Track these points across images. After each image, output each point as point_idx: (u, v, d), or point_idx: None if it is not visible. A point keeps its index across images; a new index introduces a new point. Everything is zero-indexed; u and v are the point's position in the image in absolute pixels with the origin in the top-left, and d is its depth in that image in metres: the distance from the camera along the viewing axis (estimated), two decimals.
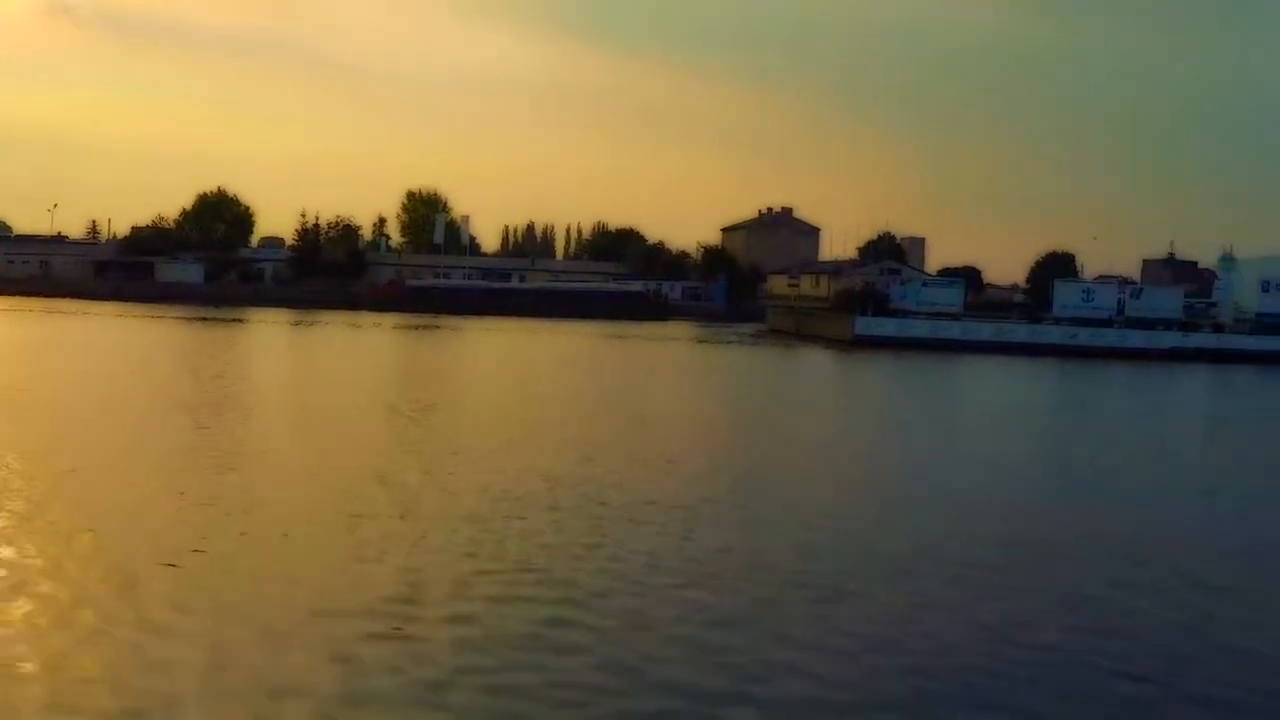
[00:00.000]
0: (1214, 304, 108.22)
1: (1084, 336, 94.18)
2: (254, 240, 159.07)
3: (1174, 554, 18.29)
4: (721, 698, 10.80)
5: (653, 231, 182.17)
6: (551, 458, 24.64)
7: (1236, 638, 13.81)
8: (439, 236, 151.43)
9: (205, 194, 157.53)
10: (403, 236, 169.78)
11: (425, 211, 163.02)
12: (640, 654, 11.87)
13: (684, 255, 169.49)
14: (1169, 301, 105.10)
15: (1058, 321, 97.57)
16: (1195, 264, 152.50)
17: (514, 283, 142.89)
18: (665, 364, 64.75)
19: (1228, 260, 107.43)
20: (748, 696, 10.87)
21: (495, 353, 67.93)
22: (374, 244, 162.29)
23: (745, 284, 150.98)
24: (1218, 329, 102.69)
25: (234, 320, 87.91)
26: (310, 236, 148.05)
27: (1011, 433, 38.51)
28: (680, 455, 26.63)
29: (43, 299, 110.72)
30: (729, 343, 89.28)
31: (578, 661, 11.56)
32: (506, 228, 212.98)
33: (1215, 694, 11.79)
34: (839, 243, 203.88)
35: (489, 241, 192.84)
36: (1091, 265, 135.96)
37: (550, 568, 15.14)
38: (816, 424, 38.25)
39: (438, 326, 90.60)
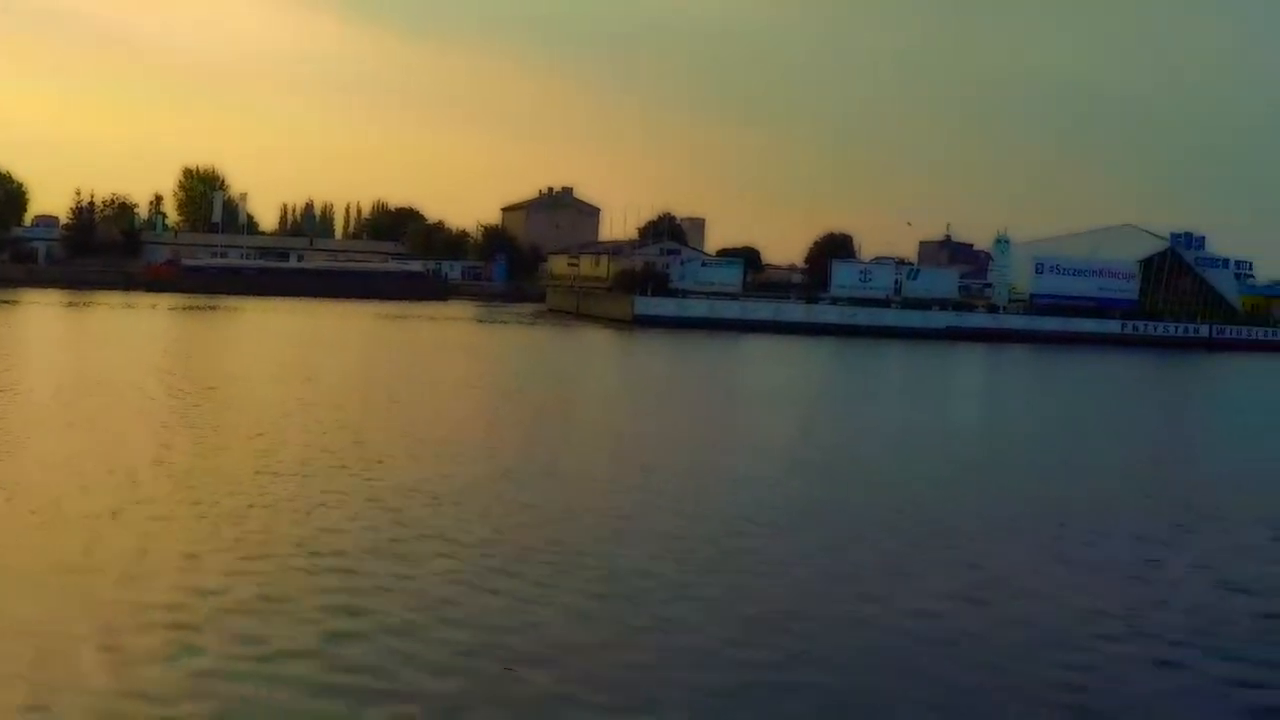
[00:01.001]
0: (989, 285, 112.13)
1: (861, 316, 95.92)
2: (27, 219, 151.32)
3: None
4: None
5: (432, 211, 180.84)
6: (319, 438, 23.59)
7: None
8: (217, 215, 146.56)
9: None
10: (180, 215, 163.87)
11: (203, 190, 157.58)
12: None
13: (464, 235, 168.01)
14: (945, 282, 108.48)
15: (835, 301, 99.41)
16: (971, 246, 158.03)
17: (292, 262, 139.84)
18: (440, 344, 63.06)
19: (1003, 243, 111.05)
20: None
21: (270, 333, 65.11)
22: (150, 223, 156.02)
23: (526, 264, 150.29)
24: (992, 309, 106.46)
25: (2, 302, 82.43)
26: (85, 215, 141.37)
27: (760, 409, 38.63)
28: (446, 436, 25.52)
29: None
30: (508, 323, 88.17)
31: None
32: (285, 206, 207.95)
33: None
34: (620, 223, 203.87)
35: (268, 220, 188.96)
36: (869, 246, 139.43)
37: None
38: (579, 401, 37.54)
39: (214, 307, 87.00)
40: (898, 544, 16.67)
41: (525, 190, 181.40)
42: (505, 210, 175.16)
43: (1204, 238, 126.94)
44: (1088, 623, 13.09)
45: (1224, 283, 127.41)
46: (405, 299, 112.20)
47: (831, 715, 10.24)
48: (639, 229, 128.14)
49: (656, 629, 12.04)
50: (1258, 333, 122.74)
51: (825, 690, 10.65)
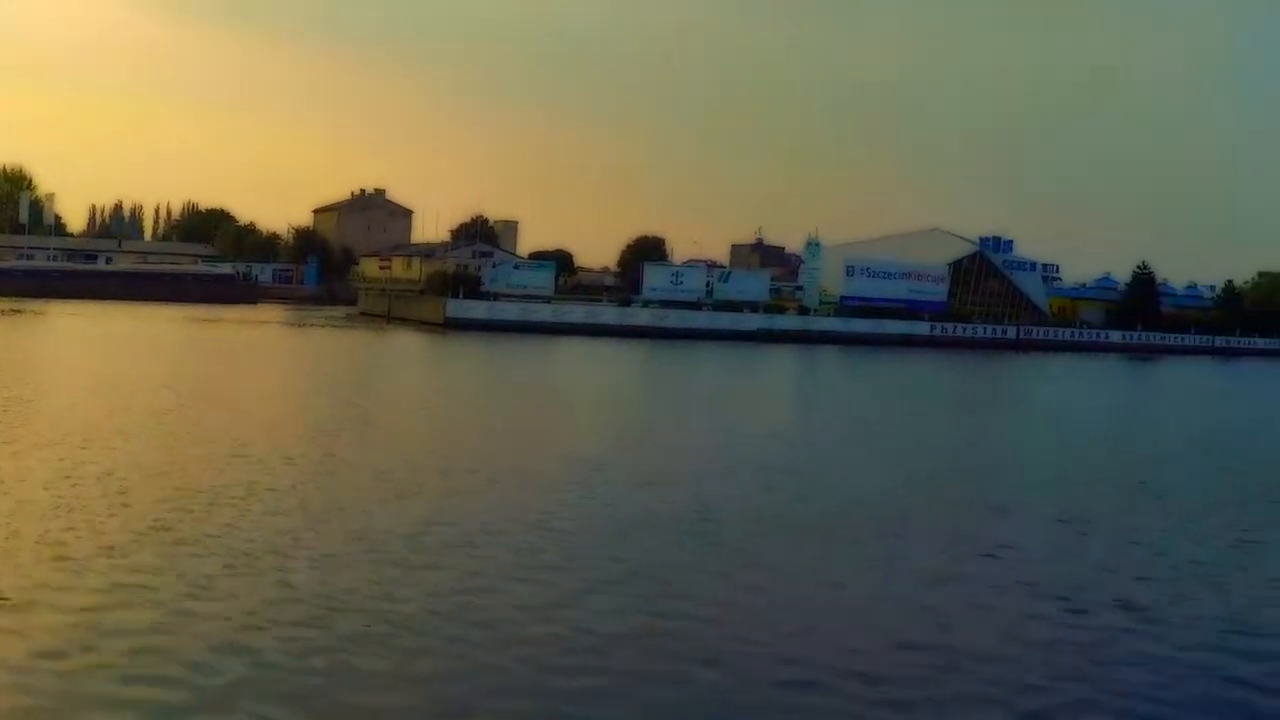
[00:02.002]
0: (800, 288, 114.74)
1: (673, 318, 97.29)
2: None
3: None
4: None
5: (243, 212, 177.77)
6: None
7: None
8: (24, 216, 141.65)
9: None
10: None
11: (9, 189, 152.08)
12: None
13: (275, 237, 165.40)
14: (756, 285, 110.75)
15: (647, 304, 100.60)
16: (783, 249, 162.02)
17: (101, 265, 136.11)
18: (249, 348, 61.92)
19: (814, 246, 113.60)
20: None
21: (74, 337, 63.19)
22: None
23: (338, 267, 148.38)
24: (803, 312, 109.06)
25: None
26: None
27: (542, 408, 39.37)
28: (245, 440, 24.99)
29: None
30: (318, 326, 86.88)
31: None
32: (94, 207, 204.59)
33: None
34: (432, 225, 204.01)
35: (76, 222, 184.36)
36: (681, 249, 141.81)
37: None
38: (374, 404, 37.61)
39: (19, 310, 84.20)
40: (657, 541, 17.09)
41: (337, 192, 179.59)
42: (317, 212, 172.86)
43: (1012, 241, 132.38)
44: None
45: (1031, 285, 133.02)
46: (215, 302, 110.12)
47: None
48: (451, 231, 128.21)
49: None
50: (1064, 333, 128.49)
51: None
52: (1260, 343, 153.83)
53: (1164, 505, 23.36)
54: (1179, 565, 17.59)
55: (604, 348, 76.96)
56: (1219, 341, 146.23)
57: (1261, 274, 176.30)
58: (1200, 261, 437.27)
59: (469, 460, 24.33)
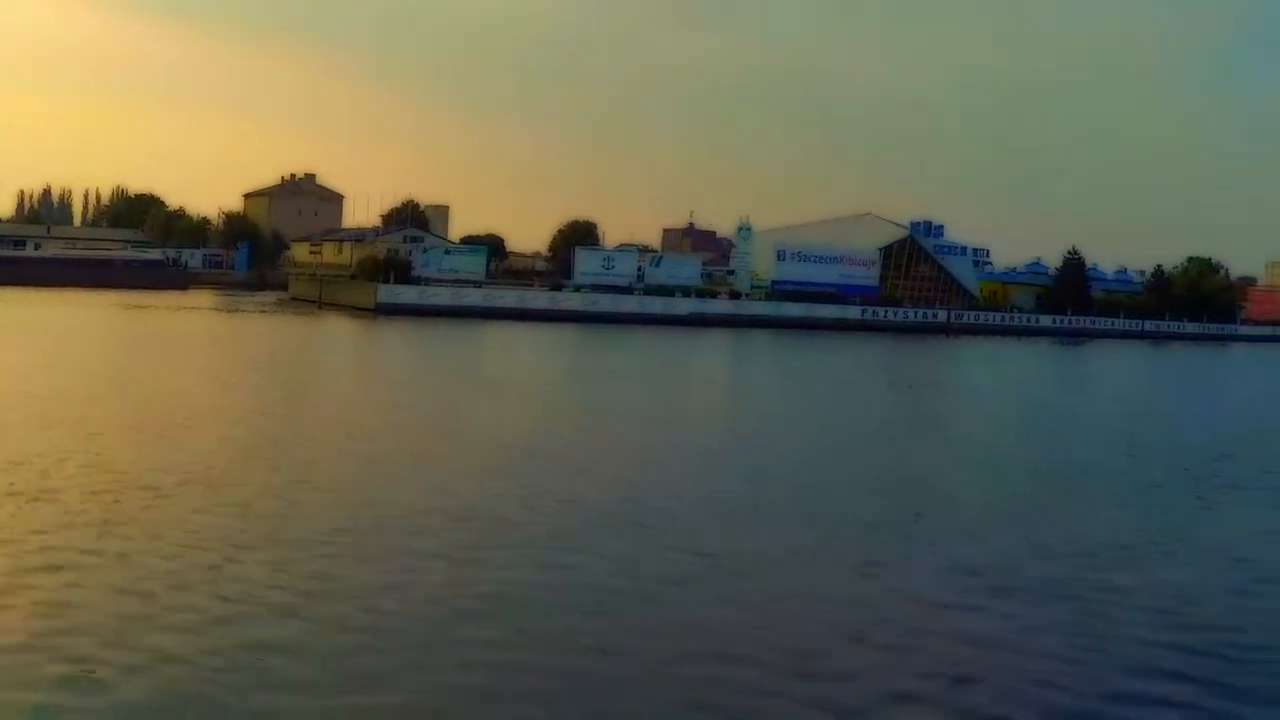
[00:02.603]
0: (732, 272, 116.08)
1: (604, 303, 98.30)
2: None
3: None
4: None
5: (174, 198, 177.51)
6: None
7: None
8: None
9: None
10: None
11: None
12: None
13: (206, 222, 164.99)
14: (687, 269, 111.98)
15: (579, 289, 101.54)
16: (715, 233, 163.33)
17: (29, 251, 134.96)
18: (176, 334, 61.66)
19: (745, 230, 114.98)
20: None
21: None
22: None
23: (269, 252, 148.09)
24: (735, 296, 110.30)
25: None
26: None
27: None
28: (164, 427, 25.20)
29: None
30: (248, 312, 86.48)
31: None
32: (22, 193, 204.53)
33: None
34: (363, 210, 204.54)
35: (4, 207, 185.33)
36: (614, 234, 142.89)
37: None
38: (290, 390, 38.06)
39: None
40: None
41: (268, 176, 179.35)
42: (248, 197, 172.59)
43: (943, 226, 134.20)
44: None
45: (962, 269, 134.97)
46: (144, 288, 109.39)
47: None
48: (383, 216, 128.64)
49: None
50: (994, 317, 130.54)
51: None
52: (1189, 327, 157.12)
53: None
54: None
55: (534, 333, 77.47)
56: (1149, 326, 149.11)
57: (1191, 259, 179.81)
58: (1130, 247, 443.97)
59: (363, 446, 24.87)
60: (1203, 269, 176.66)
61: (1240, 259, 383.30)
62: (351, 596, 13.05)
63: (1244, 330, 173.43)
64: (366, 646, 11.53)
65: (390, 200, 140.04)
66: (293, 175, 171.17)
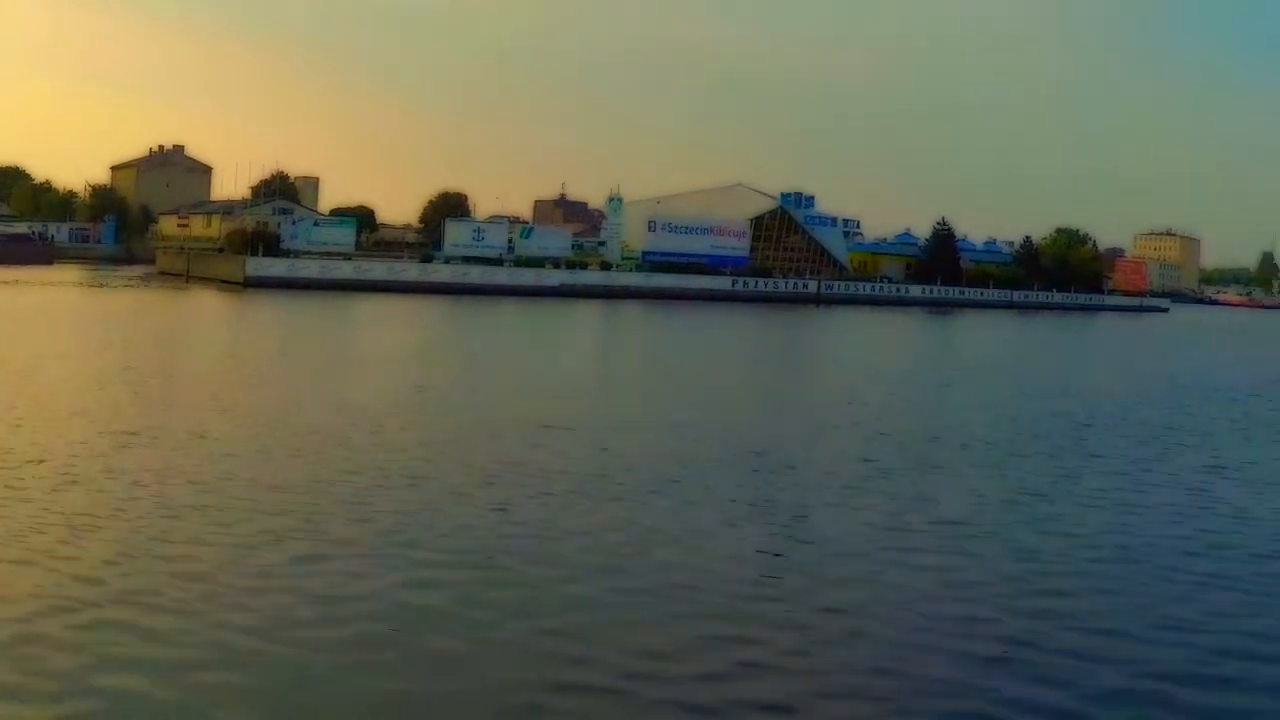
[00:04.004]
0: (603, 243, 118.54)
1: (475, 275, 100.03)
2: None
3: None
4: None
5: (39, 170, 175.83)
6: None
7: None
8: None
9: None
10: None
11: None
12: None
13: (72, 195, 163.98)
14: (558, 240, 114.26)
15: (449, 261, 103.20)
16: (586, 204, 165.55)
17: None
18: (39, 310, 61.54)
19: (616, 202, 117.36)
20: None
21: None
22: None
23: (136, 225, 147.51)
24: (606, 267, 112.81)
25: None
26: None
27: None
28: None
29: None
30: (115, 286, 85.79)
31: None
32: None
33: None
34: (232, 182, 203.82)
35: None
36: (484, 205, 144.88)
37: None
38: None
39: None
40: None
41: (135, 148, 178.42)
42: (115, 169, 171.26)
43: (813, 197, 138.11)
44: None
45: (833, 240, 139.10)
46: (10, 263, 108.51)
47: None
48: (251, 188, 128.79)
49: None
50: (864, 287, 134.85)
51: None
52: (1057, 298, 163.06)
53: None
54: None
55: (403, 305, 78.10)
56: (1017, 296, 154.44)
57: (1059, 230, 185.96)
58: (999, 217, 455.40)
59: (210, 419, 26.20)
60: (1071, 240, 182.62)
61: (1108, 231, 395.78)
62: None
63: (1110, 300, 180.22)
64: None
65: (260, 172, 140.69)
66: (161, 147, 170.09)
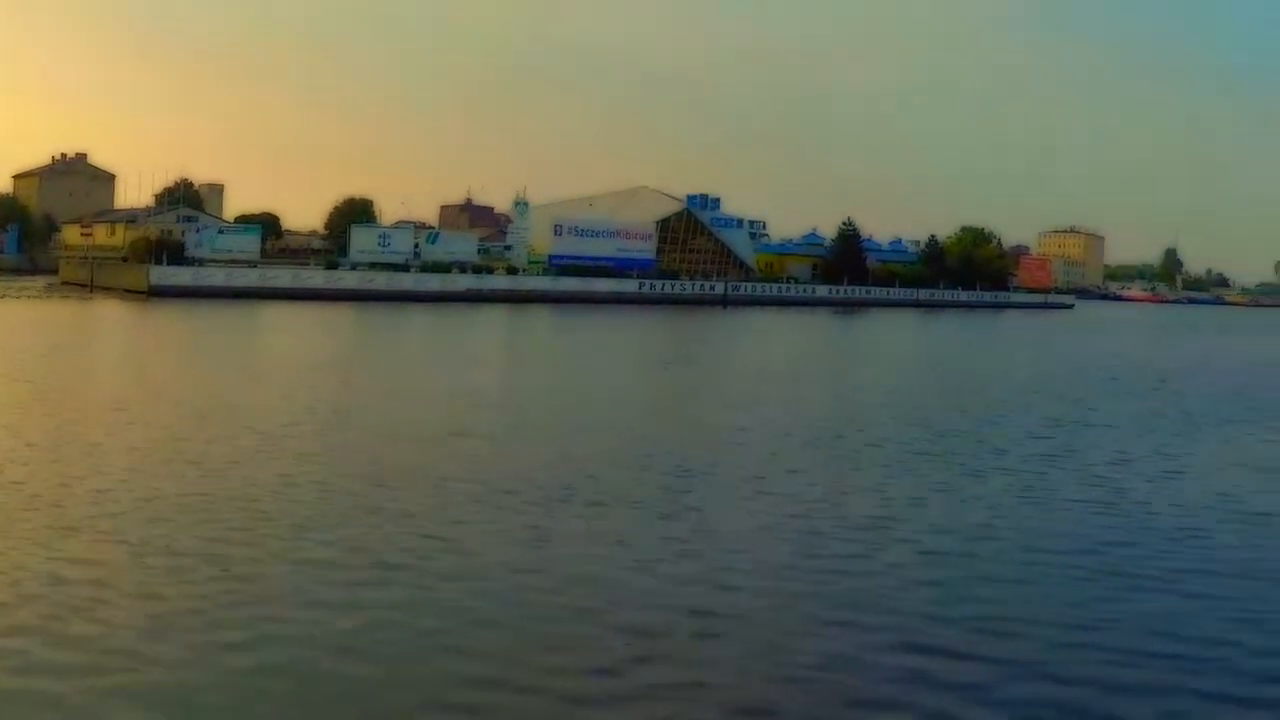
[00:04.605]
0: (509, 247, 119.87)
1: (381, 281, 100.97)
2: None
3: None
4: None
5: None
6: None
7: None
8: None
9: None
10: None
11: None
12: None
13: None
14: (464, 245, 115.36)
15: (355, 267, 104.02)
16: (492, 209, 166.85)
17: None
18: None
19: (522, 206, 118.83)
20: None
21: None
22: None
23: (39, 235, 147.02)
24: (512, 271, 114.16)
25: None
26: None
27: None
28: None
29: None
30: (14, 298, 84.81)
31: None
32: None
33: None
34: (136, 190, 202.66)
35: None
36: (390, 211, 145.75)
37: None
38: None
39: None
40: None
41: (37, 157, 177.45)
42: (17, 178, 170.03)
43: (719, 199, 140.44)
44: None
45: (739, 242, 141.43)
46: None
47: None
48: (156, 196, 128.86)
49: None
50: (771, 288, 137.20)
51: None
52: (963, 296, 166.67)
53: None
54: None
55: (309, 313, 78.23)
56: (923, 295, 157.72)
57: (964, 228, 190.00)
58: (905, 217, 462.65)
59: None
60: (976, 239, 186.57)
61: (1013, 229, 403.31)
62: None
63: (1016, 298, 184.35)
64: None
65: (164, 179, 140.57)
66: (63, 155, 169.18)
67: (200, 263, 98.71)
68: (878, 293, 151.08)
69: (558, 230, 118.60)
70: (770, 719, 10.49)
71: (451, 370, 44.98)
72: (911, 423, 30.96)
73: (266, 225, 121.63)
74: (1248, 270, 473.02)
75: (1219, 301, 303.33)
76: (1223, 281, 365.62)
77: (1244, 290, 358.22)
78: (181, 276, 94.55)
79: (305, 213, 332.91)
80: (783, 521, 18.14)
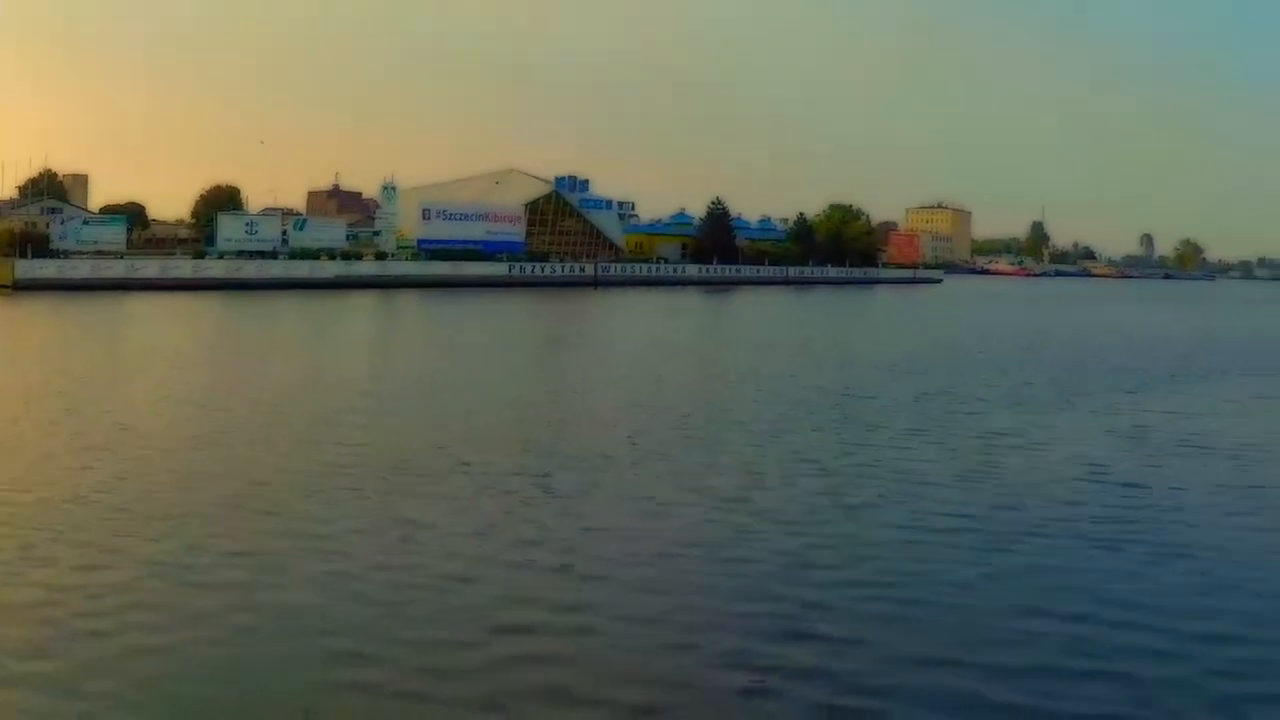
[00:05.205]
0: (377, 233, 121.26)
1: (249, 269, 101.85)
2: None
3: None
4: None
5: None
6: None
7: None
8: None
9: None
10: None
11: None
12: None
13: None
14: (332, 232, 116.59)
15: (223, 255, 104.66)
16: (360, 194, 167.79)
17: None
18: None
19: (389, 190, 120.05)
20: None
21: None
22: None
23: None
24: (381, 257, 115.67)
25: None
26: None
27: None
28: None
29: None
30: None
31: None
32: None
33: None
34: None
35: None
36: (257, 198, 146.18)
37: None
38: None
39: None
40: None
41: None
42: None
43: (588, 181, 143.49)
44: None
45: (608, 223, 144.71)
46: None
47: None
48: (19, 188, 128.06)
49: None
50: (641, 268, 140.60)
51: None
52: (833, 272, 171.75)
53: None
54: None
55: (179, 303, 78.34)
56: (793, 273, 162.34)
57: (833, 206, 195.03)
58: (774, 196, 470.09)
59: None
60: (845, 216, 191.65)
61: (882, 206, 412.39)
62: None
63: (885, 274, 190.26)
64: None
65: (26, 171, 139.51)
66: None
67: (66, 255, 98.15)
68: (748, 271, 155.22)
69: (426, 214, 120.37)
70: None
71: (315, 358, 44.63)
72: (780, 401, 31.76)
73: (132, 215, 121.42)
74: (1114, 242, 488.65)
75: (1085, 274, 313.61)
76: (1089, 254, 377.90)
77: (1110, 262, 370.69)
78: (47, 270, 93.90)
79: (172, 202, 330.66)
80: (654, 499, 18.84)
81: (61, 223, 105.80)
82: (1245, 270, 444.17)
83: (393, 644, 11.79)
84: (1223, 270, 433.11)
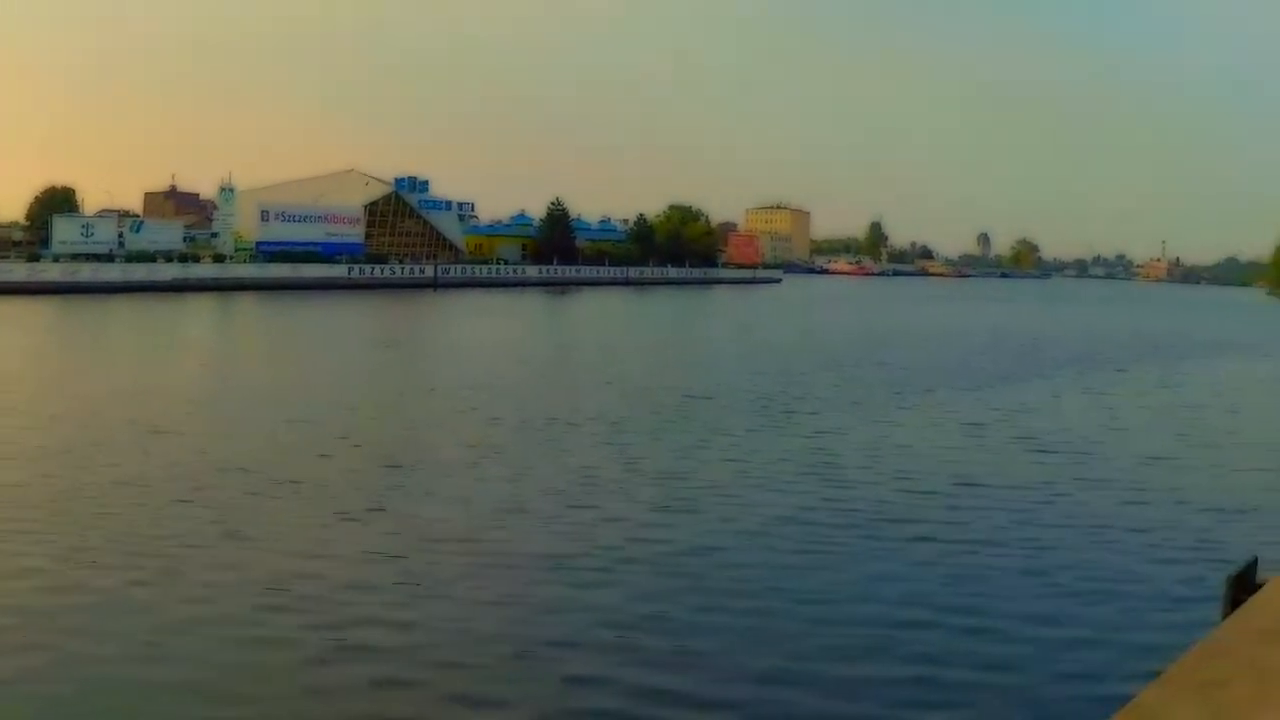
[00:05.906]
0: (216, 235, 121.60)
1: (86, 273, 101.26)
2: None
3: None
4: None
5: None
6: None
7: None
8: None
9: None
10: None
11: None
12: None
13: None
14: (169, 234, 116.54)
15: (58, 259, 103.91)
16: (198, 195, 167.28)
17: None
18: None
19: (227, 192, 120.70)
20: None
21: None
22: None
23: None
24: (219, 259, 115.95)
25: None
26: None
27: None
28: None
29: None
30: None
31: None
32: None
33: None
34: None
35: None
36: (93, 200, 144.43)
37: None
38: None
39: None
40: None
41: None
42: None
43: (428, 181, 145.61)
44: None
45: (448, 224, 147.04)
46: None
47: None
48: None
49: None
50: (480, 270, 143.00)
51: None
52: (673, 273, 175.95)
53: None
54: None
55: (12, 308, 77.51)
56: (633, 273, 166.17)
57: (672, 207, 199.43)
58: (614, 197, 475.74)
59: None
60: (684, 217, 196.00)
61: (721, 206, 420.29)
62: None
63: (725, 274, 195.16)
64: None
65: None
66: None
67: None
68: (588, 272, 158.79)
69: (264, 216, 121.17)
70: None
71: (144, 366, 44.64)
72: (626, 402, 33.16)
73: None
74: (951, 241, 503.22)
75: (922, 273, 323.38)
76: (927, 254, 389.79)
77: (947, 261, 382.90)
78: None
79: (5, 204, 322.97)
80: (496, 501, 20.19)
81: None
82: (1080, 269, 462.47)
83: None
84: (1058, 269, 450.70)
